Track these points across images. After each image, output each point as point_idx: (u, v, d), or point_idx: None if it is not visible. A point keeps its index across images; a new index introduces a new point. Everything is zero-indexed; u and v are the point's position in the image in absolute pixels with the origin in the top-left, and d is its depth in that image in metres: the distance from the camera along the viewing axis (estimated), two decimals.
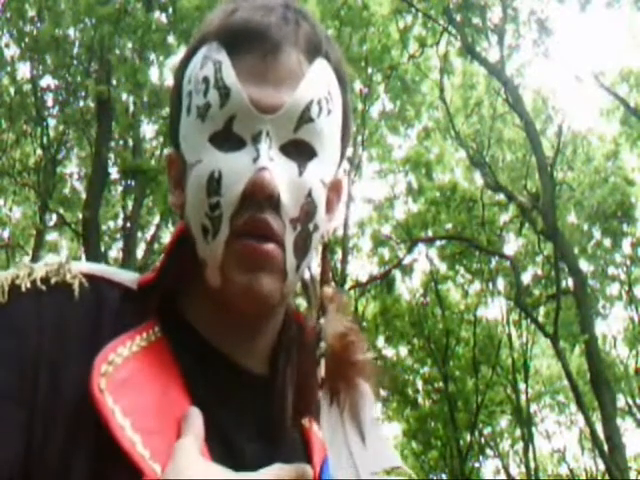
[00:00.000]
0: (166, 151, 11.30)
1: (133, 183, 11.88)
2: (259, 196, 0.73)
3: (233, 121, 0.75)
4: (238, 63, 0.76)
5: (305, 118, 0.76)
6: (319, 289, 0.86)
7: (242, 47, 0.76)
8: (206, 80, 0.76)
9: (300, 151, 0.76)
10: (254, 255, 0.73)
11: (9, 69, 12.56)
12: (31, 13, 12.08)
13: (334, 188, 0.84)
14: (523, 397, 14.90)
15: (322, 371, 0.80)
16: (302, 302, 0.89)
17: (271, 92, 0.75)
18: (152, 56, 11.64)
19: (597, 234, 14.94)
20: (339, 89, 0.81)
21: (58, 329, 0.71)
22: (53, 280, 0.75)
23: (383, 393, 14.59)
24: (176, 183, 0.82)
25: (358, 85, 12.36)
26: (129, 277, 0.81)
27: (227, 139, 0.75)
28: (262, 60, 0.76)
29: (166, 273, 0.80)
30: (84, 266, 0.79)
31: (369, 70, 12.43)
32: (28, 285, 0.73)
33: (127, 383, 0.69)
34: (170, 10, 11.45)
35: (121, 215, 12.94)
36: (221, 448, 0.71)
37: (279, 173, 0.74)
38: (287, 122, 0.75)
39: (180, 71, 0.82)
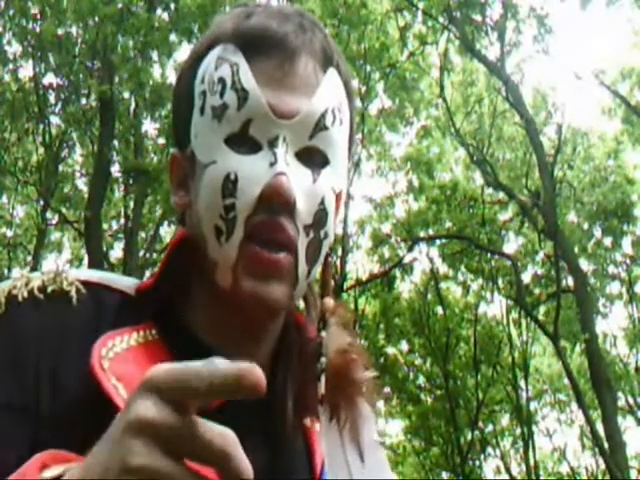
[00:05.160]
0: (170, 150, 11.31)
1: (135, 182, 11.88)
2: (276, 200, 0.73)
3: (250, 124, 0.75)
4: (255, 67, 0.76)
5: (320, 126, 0.77)
6: (319, 300, 0.85)
7: (260, 52, 0.77)
8: (222, 81, 0.76)
9: (314, 159, 0.77)
10: (264, 264, 0.74)
11: (11, 67, 12.56)
12: (34, 11, 12.08)
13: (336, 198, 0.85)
14: (524, 395, 14.91)
15: (322, 387, 0.79)
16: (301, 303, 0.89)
17: (288, 98, 0.76)
18: (154, 55, 11.64)
19: (597, 233, 14.92)
20: (347, 101, 0.82)
21: (57, 336, 0.72)
22: (50, 288, 0.75)
23: (385, 390, 14.61)
24: (180, 183, 0.83)
25: (356, 83, 12.36)
26: (128, 283, 0.81)
27: (243, 142, 0.75)
28: (280, 66, 0.76)
29: (165, 278, 0.80)
30: (82, 273, 0.79)
31: (367, 68, 12.43)
32: (25, 295, 0.73)
33: (127, 368, 0.70)
34: (172, 8, 11.46)
35: (123, 214, 12.94)
36: None
37: (295, 179, 0.74)
38: (303, 129, 0.76)
39: (190, 71, 0.81)
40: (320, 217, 0.77)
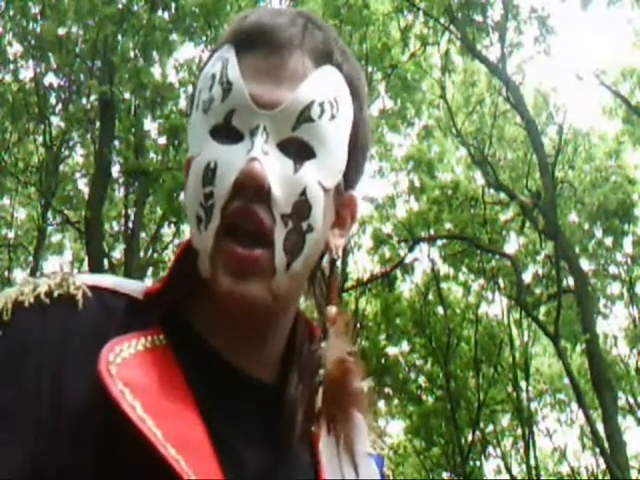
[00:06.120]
0: (170, 150, 11.33)
1: (136, 183, 11.88)
2: (248, 185, 0.73)
3: (233, 115, 0.76)
4: (244, 61, 0.77)
5: (305, 117, 0.76)
6: (324, 308, 0.84)
7: (250, 47, 0.78)
8: (213, 76, 0.78)
9: (298, 150, 0.76)
10: (238, 262, 0.74)
11: (12, 67, 12.57)
12: (34, 11, 12.08)
13: (346, 204, 0.84)
14: (524, 395, 14.91)
15: (319, 400, 0.79)
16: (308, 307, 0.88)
17: (271, 89, 0.76)
18: (155, 54, 11.64)
19: (598, 233, 14.93)
20: (351, 102, 0.81)
21: (61, 342, 0.72)
22: (56, 293, 0.75)
23: (386, 390, 14.62)
24: None
25: None
26: (136, 287, 0.81)
27: (227, 133, 0.76)
28: (265, 58, 0.77)
29: (173, 282, 0.80)
30: (89, 277, 0.79)
31: (369, 69, 12.43)
32: (32, 300, 0.73)
33: (134, 373, 0.70)
34: (173, 8, 11.47)
35: (123, 215, 12.94)
36: (224, 457, 0.70)
37: (272, 166, 0.74)
38: (285, 119, 0.76)
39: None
40: (301, 208, 0.75)
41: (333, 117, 0.78)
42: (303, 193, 0.75)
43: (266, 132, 0.75)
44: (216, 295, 0.76)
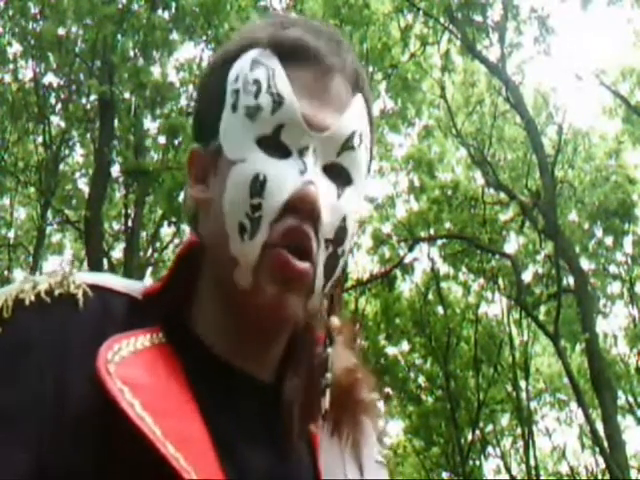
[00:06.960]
0: (170, 149, 11.33)
1: (136, 183, 11.88)
2: (302, 208, 0.74)
3: (282, 130, 0.76)
4: (292, 76, 0.77)
5: (348, 145, 0.78)
6: (326, 318, 0.85)
7: (296, 62, 0.78)
8: (257, 83, 0.78)
9: (339, 176, 0.78)
10: (288, 270, 0.74)
11: (12, 67, 12.57)
12: (34, 11, 12.08)
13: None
14: (524, 395, 14.91)
15: (326, 402, 0.79)
16: None
17: (321, 112, 0.77)
18: (155, 54, 11.64)
19: (598, 232, 14.93)
20: (369, 127, 0.83)
21: (62, 340, 0.71)
22: (57, 292, 0.74)
23: (385, 390, 14.61)
24: (199, 178, 0.82)
25: None
26: (136, 287, 0.81)
27: (274, 145, 0.76)
28: (315, 80, 0.78)
29: (173, 283, 0.80)
30: (89, 276, 0.78)
31: (369, 69, 12.42)
32: (32, 299, 0.73)
33: (133, 372, 0.70)
34: (173, 7, 11.47)
35: (123, 214, 12.94)
36: (224, 455, 0.70)
37: (323, 191, 0.76)
38: (332, 144, 0.77)
39: (222, 70, 0.82)
40: (340, 235, 0.78)
41: (365, 147, 0.81)
42: (344, 220, 0.78)
43: (315, 154, 0.76)
44: (233, 299, 0.76)
